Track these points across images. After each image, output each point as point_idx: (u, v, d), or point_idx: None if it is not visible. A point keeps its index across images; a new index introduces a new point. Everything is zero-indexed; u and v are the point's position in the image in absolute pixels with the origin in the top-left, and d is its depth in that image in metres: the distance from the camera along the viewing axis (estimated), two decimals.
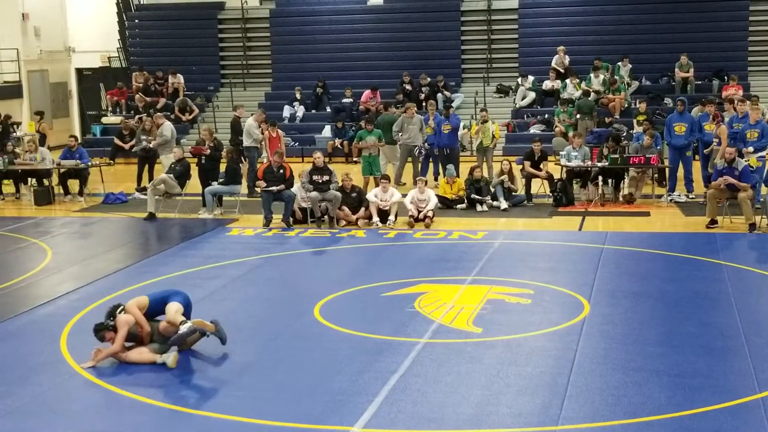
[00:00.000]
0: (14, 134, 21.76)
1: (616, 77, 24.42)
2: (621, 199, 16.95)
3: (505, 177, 16.80)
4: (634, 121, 20.82)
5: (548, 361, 8.52)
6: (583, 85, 24.12)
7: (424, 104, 21.95)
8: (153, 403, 7.70)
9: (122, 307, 8.81)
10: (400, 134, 18.61)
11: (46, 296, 11.22)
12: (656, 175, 17.78)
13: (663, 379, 7.95)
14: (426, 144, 18.93)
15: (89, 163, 18.76)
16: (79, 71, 30.90)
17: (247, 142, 18.64)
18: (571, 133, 19.07)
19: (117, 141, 22.07)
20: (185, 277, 12.03)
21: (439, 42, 27.47)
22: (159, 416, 7.46)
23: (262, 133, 18.92)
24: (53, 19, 29.64)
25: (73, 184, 18.74)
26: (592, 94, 23.37)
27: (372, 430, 7.03)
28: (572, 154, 17.18)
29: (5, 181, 19.27)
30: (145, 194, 17.07)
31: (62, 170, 18.64)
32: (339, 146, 24.02)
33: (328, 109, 25.93)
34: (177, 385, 8.24)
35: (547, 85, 25.33)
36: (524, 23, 27.25)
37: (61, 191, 18.61)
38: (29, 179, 19.10)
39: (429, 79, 25.28)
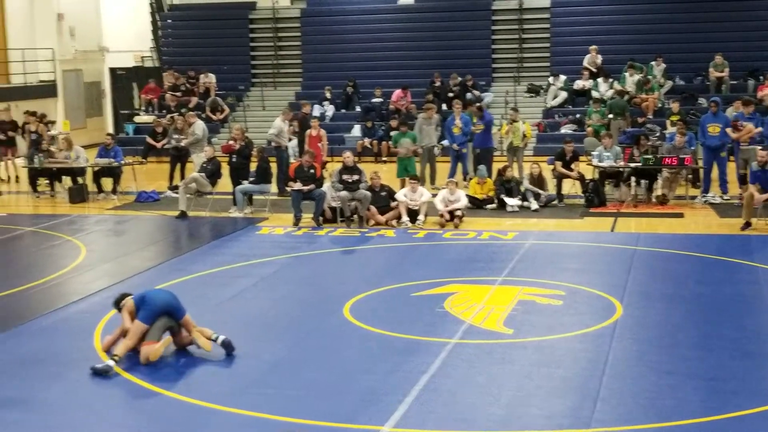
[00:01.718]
0: (49, 132, 21.96)
1: (650, 77, 24.21)
2: (654, 200, 16.79)
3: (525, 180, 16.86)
4: (668, 121, 20.64)
5: (580, 363, 8.46)
6: (616, 84, 23.93)
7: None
8: (184, 399, 7.73)
9: (127, 298, 8.98)
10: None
11: (79, 293, 11.31)
12: (690, 176, 17.61)
13: (697, 382, 7.86)
14: (455, 144, 18.87)
15: (122, 162, 18.90)
16: (112, 71, 31.15)
17: (274, 141, 18.67)
18: (602, 133, 18.94)
19: (149, 140, 22.22)
20: (215, 276, 12.08)
21: (469, 41, 27.40)
22: (190, 413, 7.48)
23: (295, 132, 18.97)
24: (88, 20, 29.90)
25: (107, 183, 18.88)
26: (625, 94, 23.20)
27: (402, 429, 7.01)
28: (604, 154, 17.05)
29: (40, 179, 19.47)
30: (177, 193, 17.16)
31: (96, 169, 18.79)
32: (368, 146, 24.01)
33: (358, 109, 25.94)
34: (207, 382, 8.27)
35: (579, 84, 25.17)
36: (556, 22, 27.12)
37: (95, 189, 18.75)
38: (63, 177, 19.27)
39: (459, 78, 25.22)
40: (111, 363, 8.36)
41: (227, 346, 8.76)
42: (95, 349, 9.00)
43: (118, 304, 9.01)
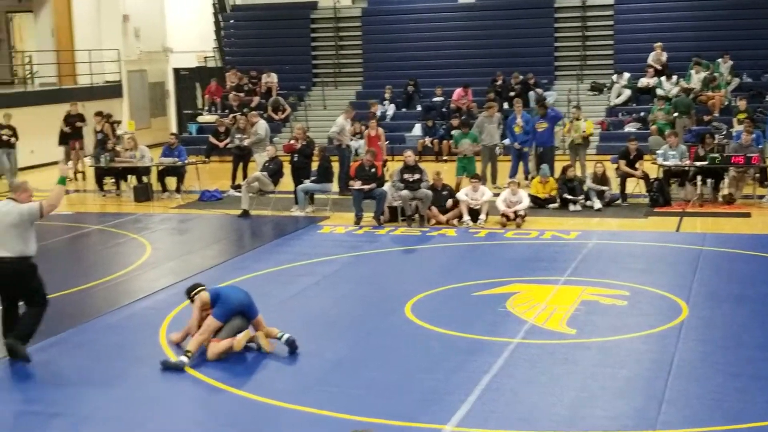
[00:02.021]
0: (117, 133, 22.34)
1: (716, 74, 23.78)
2: (720, 199, 16.50)
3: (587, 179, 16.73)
4: (734, 119, 20.26)
5: (645, 364, 8.37)
6: (682, 82, 23.55)
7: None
8: (249, 396, 7.82)
9: (200, 289, 9.10)
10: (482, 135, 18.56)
11: (145, 290, 11.51)
12: (757, 175, 17.26)
13: (764, 384, 7.73)
14: (516, 143, 18.75)
15: (186, 161, 19.16)
16: (176, 71, 31.56)
17: (336, 139, 18.79)
18: (667, 132, 18.67)
19: (212, 139, 22.50)
20: (278, 274, 12.19)
21: (531, 39, 27.16)
22: (254, 409, 7.58)
23: (357, 133, 19.03)
24: (152, 21, 30.37)
25: (171, 182, 19.16)
26: (691, 91, 22.83)
27: (464, 429, 7.00)
28: (669, 153, 16.81)
29: (106, 178, 19.83)
30: (240, 192, 17.34)
31: (160, 168, 19.09)
32: (429, 145, 23.98)
33: (419, 108, 25.92)
34: (272, 379, 8.37)
35: (643, 82, 24.82)
36: (620, 19, 26.75)
37: (160, 188, 19.04)
38: (129, 176, 19.61)
39: (521, 77, 25.05)
40: (184, 359, 8.49)
41: (291, 344, 8.84)
42: (161, 345, 9.16)
43: (190, 293, 9.14)
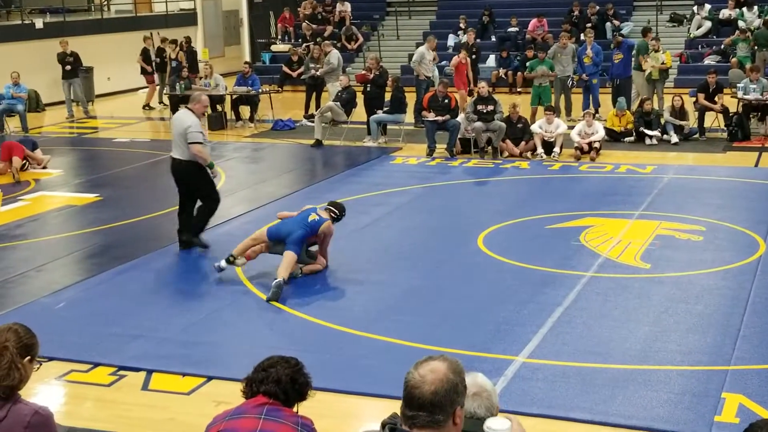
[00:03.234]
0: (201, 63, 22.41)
1: None
2: None
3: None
4: None
5: (720, 299, 8.27)
6: None
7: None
8: (321, 323, 7.96)
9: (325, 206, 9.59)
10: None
11: (221, 217, 11.62)
12: None
13: None
14: (584, 75, 18.38)
15: (260, 90, 19.25)
16: None
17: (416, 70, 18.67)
18: (748, 65, 18.10)
19: (285, 69, 22.52)
20: (350, 204, 12.17)
21: None
22: (327, 336, 7.71)
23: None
24: None
25: (245, 110, 19.30)
26: None
27: (536, 360, 7.04)
28: (750, 86, 16.35)
29: (182, 106, 19.94)
30: (313, 121, 17.41)
31: (234, 96, 19.22)
32: (503, 76, 23.67)
33: (493, 38, 25.53)
34: (344, 307, 8.49)
35: (724, 13, 24.02)
36: None
37: (233, 117, 19.20)
38: None
39: (598, 7, 24.45)
40: (223, 263, 8.97)
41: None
42: (236, 270, 9.33)
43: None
